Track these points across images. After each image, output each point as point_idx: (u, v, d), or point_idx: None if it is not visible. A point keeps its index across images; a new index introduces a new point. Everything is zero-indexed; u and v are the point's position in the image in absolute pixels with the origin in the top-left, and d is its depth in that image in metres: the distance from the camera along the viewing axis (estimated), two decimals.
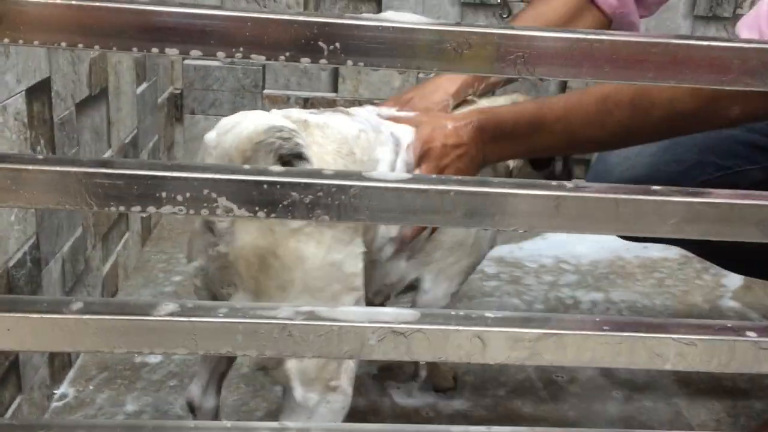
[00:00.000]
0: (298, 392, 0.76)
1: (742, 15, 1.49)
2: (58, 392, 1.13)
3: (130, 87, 1.45)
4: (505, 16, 1.84)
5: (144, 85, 1.56)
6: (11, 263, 0.93)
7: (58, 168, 0.51)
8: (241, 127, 0.71)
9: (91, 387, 1.15)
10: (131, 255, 1.51)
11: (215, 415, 0.94)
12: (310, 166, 0.74)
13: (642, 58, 0.52)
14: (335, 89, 1.91)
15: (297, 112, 0.87)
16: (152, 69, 1.62)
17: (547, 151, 1.01)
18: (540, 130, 0.92)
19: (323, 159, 0.81)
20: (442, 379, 1.19)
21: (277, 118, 0.73)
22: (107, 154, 1.33)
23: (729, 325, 0.61)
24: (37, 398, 1.05)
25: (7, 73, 0.89)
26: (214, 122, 2.02)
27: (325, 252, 0.76)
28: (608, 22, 1.10)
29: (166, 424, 0.63)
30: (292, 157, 0.73)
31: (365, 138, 0.87)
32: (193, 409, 0.93)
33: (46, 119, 1.02)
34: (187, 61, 1.85)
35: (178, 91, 1.87)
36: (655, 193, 0.56)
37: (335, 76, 1.90)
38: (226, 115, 2.06)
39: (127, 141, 1.44)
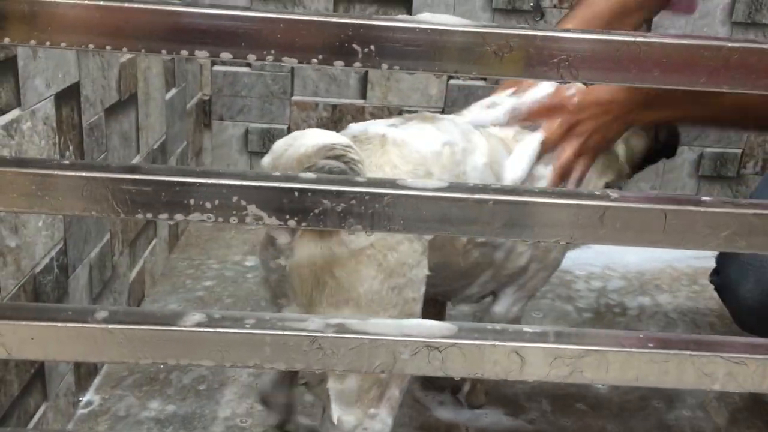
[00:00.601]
0: (335, 414, 0.74)
1: None
2: (84, 399, 1.12)
3: (159, 93, 1.45)
4: (537, 19, 1.81)
5: (173, 91, 1.55)
6: (38, 269, 0.92)
7: (84, 174, 0.49)
8: (292, 149, 0.69)
9: (117, 394, 1.14)
10: (158, 261, 1.51)
11: (289, 411, 0.92)
12: None
13: (693, 62, 0.49)
14: (364, 96, 1.89)
15: (375, 126, 0.84)
16: (181, 75, 1.62)
17: (706, 120, 0.95)
18: (710, 94, 0.88)
19: None
20: (475, 397, 1.16)
21: (328, 135, 0.70)
22: (135, 160, 1.32)
23: None
24: (63, 406, 1.04)
25: (36, 77, 0.89)
26: (242, 128, 2.02)
27: (387, 276, 0.74)
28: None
29: None
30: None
31: (449, 153, 0.83)
32: (266, 404, 0.92)
33: (75, 124, 1.02)
34: (215, 67, 1.85)
35: (207, 98, 1.87)
36: (705, 204, 0.53)
37: (364, 82, 1.89)
38: (254, 122, 2.05)
39: (155, 147, 1.44)
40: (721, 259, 1.13)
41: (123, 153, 1.25)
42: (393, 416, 0.77)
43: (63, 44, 0.48)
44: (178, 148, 1.63)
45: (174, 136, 1.58)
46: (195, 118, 1.79)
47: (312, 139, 0.69)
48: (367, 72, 1.87)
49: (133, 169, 0.50)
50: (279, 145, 0.71)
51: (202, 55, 0.48)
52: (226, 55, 0.48)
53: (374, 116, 1.90)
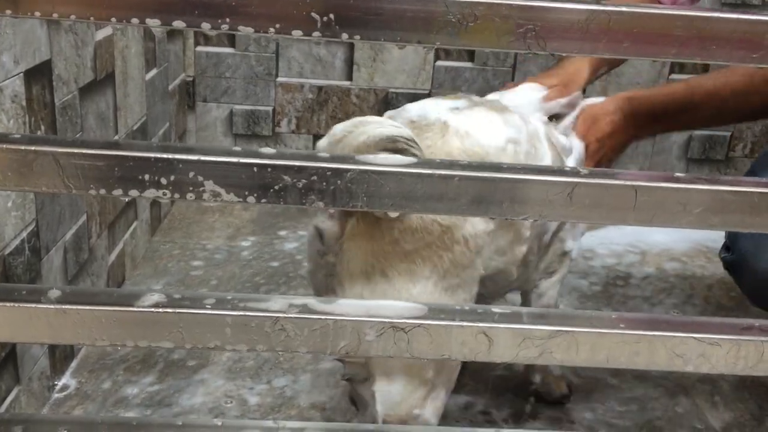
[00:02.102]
0: (380, 414, 0.72)
1: None
2: (59, 383, 1.10)
3: (139, 73, 1.42)
4: None
5: (153, 72, 1.53)
6: (7, 251, 0.91)
7: (32, 147, 0.48)
8: (352, 136, 0.66)
9: (95, 377, 1.13)
10: (139, 244, 1.49)
11: None
12: None
13: (664, 33, 0.48)
14: (350, 77, 1.87)
15: (437, 110, 0.78)
16: (162, 55, 1.59)
17: (690, 127, 1.19)
18: (689, 111, 1.02)
19: None
20: (555, 386, 1.11)
21: (391, 126, 0.66)
22: None
23: (756, 324, 0.56)
24: (37, 389, 1.02)
25: (3, 53, 0.86)
26: (226, 110, 1.99)
27: (440, 277, 0.71)
28: None
29: (153, 422, 0.60)
30: None
31: (512, 152, 0.79)
32: (355, 404, 0.90)
33: (46, 103, 1.00)
34: (199, 48, 1.82)
35: (191, 79, 1.84)
36: (677, 180, 0.52)
37: (350, 64, 1.86)
38: (239, 103, 2.02)
39: (135, 128, 1.42)
40: (733, 233, 1.11)
41: (100, 134, 1.23)
42: (438, 417, 0.75)
43: (8, 12, 0.46)
44: (160, 129, 1.61)
45: (155, 117, 1.56)
46: (178, 99, 1.76)
47: (374, 128, 0.65)
48: (353, 53, 1.85)
49: (84, 144, 0.49)
50: (338, 129, 0.68)
51: (153, 23, 0.46)
52: (179, 24, 0.46)
53: (360, 98, 1.87)
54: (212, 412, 1.07)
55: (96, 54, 1.18)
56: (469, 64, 1.88)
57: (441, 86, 1.87)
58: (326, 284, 0.75)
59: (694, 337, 0.55)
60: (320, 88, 1.87)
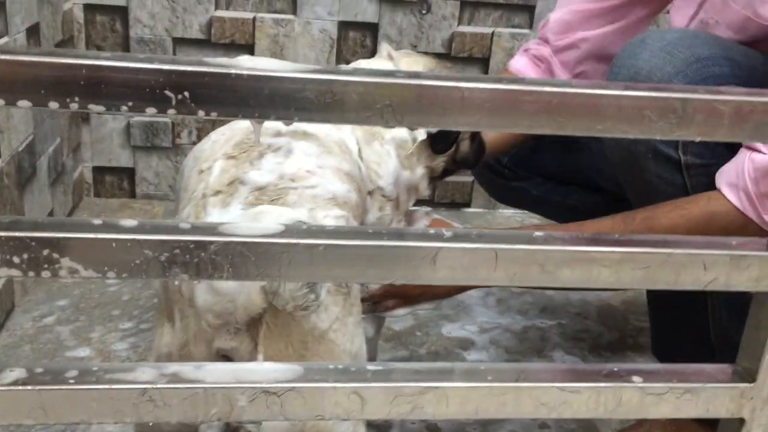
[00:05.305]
0: None
1: None
2: None
3: None
4: (424, 12, 1.81)
5: None
6: None
7: None
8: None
9: None
10: None
11: None
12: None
13: (514, 106, 0.49)
14: None
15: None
16: None
17: None
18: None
19: None
20: None
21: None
22: None
23: (615, 369, 0.59)
24: None
25: None
26: (123, 121, 1.91)
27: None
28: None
29: None
30: None
31: None
32: None
33: None
34: None
35: None
36: (536, 241, 0.54)
37: None
38: (136, 115, 1.91)
39: (21, 149, 1.36)
40: None
41: None
42: None
43: None
44: (50, 146, 1.55)
45: (44, 135, 1.50)
46: (70, 113, 1.70)
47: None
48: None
49: None
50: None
51: None
52: (23, 104, 0.44)
53: None
54: None
55: None
56: None
57: None
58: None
59: (557, 387, 0.57)
60: None
